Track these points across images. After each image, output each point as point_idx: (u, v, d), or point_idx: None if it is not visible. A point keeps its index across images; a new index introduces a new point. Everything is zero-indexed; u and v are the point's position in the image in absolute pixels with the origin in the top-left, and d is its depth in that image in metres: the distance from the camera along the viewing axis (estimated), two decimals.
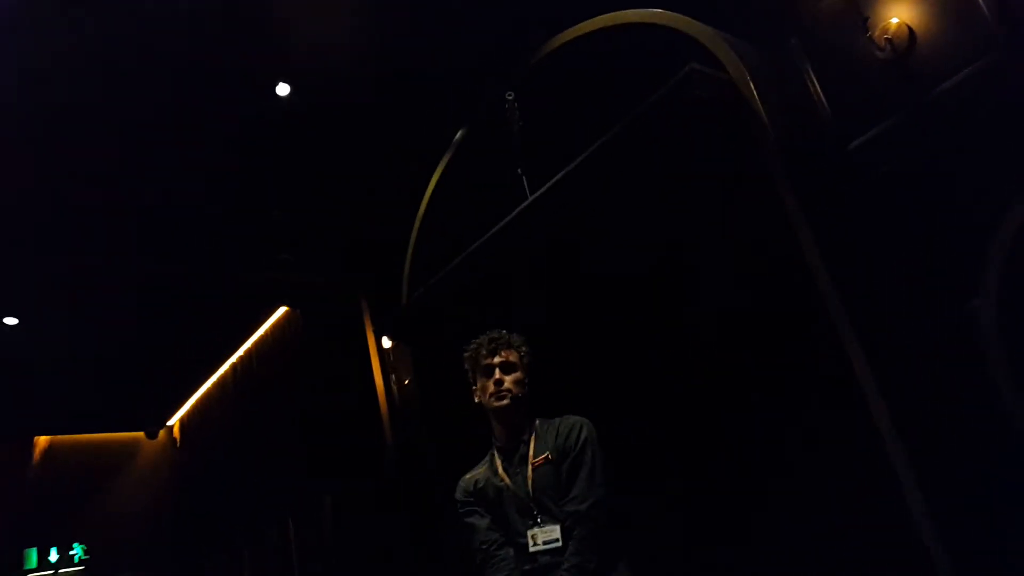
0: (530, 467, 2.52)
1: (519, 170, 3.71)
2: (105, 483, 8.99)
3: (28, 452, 8.62)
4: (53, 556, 8.30)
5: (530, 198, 3.56)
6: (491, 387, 2.60)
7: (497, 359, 2.62)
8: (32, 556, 8.21)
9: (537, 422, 2.64)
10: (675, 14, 3.04)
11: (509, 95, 3.80)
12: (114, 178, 4.50)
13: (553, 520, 2.43)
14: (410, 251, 4.63)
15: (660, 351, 3.37)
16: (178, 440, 9.49)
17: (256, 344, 7.65)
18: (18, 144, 4.03)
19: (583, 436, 2.49)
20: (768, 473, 2.88)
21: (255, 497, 7.37)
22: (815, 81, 2.82)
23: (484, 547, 2.54)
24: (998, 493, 2.23)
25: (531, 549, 2.43)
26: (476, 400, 2.68)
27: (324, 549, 6.04)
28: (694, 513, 3.15)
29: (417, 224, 4.61)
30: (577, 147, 3.22)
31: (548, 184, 3.41)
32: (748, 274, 2.98)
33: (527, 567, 2.45)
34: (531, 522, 2.46)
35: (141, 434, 9.38)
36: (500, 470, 2.60)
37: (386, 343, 5.20)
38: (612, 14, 3.35)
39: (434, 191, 4.54)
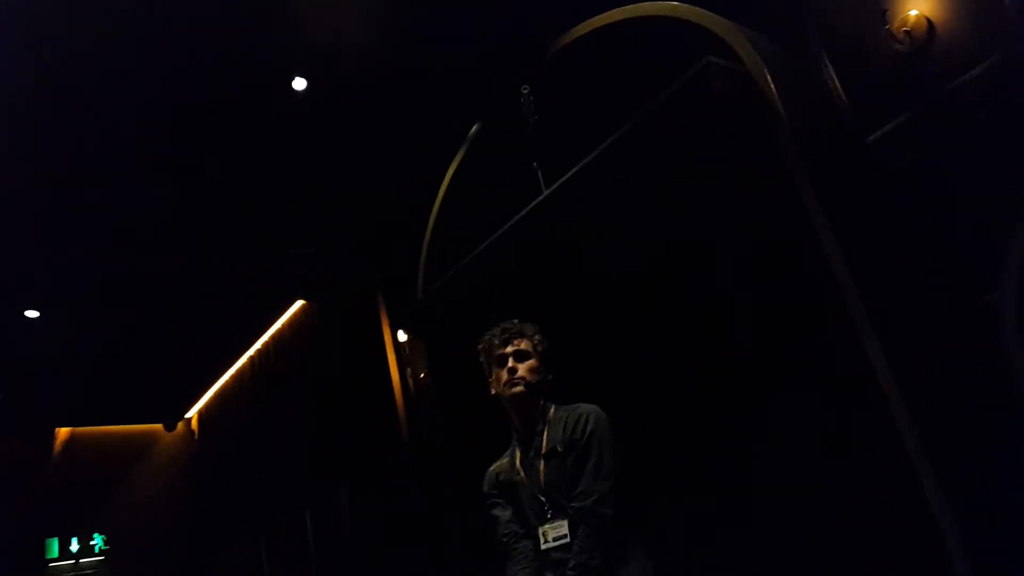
0: (542, 460, 2.49)
1: (534, 164, 3.71)
2: (125, 474, 9.09)
3: (49, 444, 8.73)
4: (74, 546, 8.41)
5: (545, 192, 3.56)
6: (504, 376, 2.58)
7: (510, 348, 2.60)
8: (54, 546, 8.32)
9: (552, 411, 2.59)
10: (691, 7, 3.03)
11: (524, 89, 3.80)
12: (135, 173, 4.54)
13: (563, 515, 2.40)
14: (426, 245, 4.64)
15: (679, 347, 3.36)
16: (196, 432, 9.57)
17: (273, 337, 7.70)
18: (39, 141, 4.08)
19: (589, 428, 2.45)
20: (787, 470, 2.87)
21: (272, 488, 7.42)
22: (833, 74, 2.80)
23: (505, 540, 2.54)
24: (1018, 489, 2.21)
25: (542, 546, 2.42)
26: (493, 392, 2.65)
27: (340, 540, 6.08)
28: (719, 515, 3.13)
29: (433, 218, 4.62)
30: (592, 141, 3.22)
31: (563, 178, 3.40)
32: (765, 269, 2.96)
33: (539, 563, 2.44)
34: (542, 517, 2.44)
35: (160, 426, 9.48)
36: (517, 463, 2.58)
37: (402, 337, 5.22)
38: (628, 7, 3.33)
39: (449, 185, 4.54)
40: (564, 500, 2.41)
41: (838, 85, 2.78)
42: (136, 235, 5.13)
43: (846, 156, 2.72)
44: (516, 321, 2.68)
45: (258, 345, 7.94)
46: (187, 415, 9.65)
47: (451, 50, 4.04)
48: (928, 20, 2.53)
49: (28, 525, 8.13)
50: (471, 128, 4.44)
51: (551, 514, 2.42)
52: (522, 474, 2.54)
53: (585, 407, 2.54)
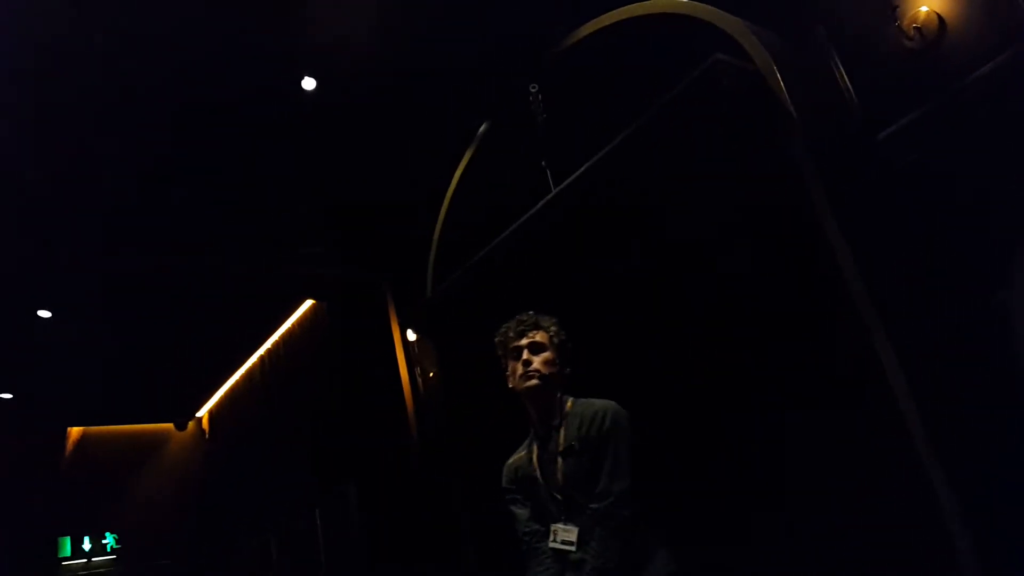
0: (559, 458, 2.43)
1: (543, 162, 3.71)
2: (136, 473, 9.15)
3: (61, 443, 8.79)
4: (86, 544, 8.46)
5: (554, 190, 3.55)
6: (519, 369, 2.52)
7: (525, 340, 2.54)
8: (66, 544, 8.39)
9: (569, 405, 2.52)
10: (700, 4, 3.01)
11: (533, 87, 3.79)
12: (145, 174, 4.56)
13: (577, 517, 2.35)
14: (434, 244, 4.64)
15: (688, 345, 3.35)
16: (207, 431, 9.63)
17: (283, 337, 7.73)
18: (48, 139, 4.10)
19: (607, 426, 2.38)
20: (794, 470, 2.86)
21: (282, 487, 7.45)
22: (842, 71, 2.78)
23: (526, 538, 2.49)
24: None
25: (550, 543, 2.39)
26: (510, 386, 2.59)
27: (349, 539, 6.10)
28: (726, 515, 3.12)
29: (441, 217, 4.62)
30: (601, 139, 3.21)
31: (572, 177, 3.40)
32: (773, 267, 2.95)
33: (547, 560, 2.40)
34: (556, 516, 2.40)
35: (171, 425, 9.54)
36: (534, 459, 2.53)
37: (411, 336, 5.23)
38: (636, 4, 3.32)
39: (458, 184, 4.55)
40: (581, 499, 2.35)
41: (847, 82, 2.76)
42: (146, 236, 5.15)
43: (855, 154, 2.70)
44: (532, 313, 2.63)
45: (268, 345, 7.98)
46: (198, 414, 9.71)
47: (460, 48, 4.04)
48: (939, 16, 2.51)
49: (40, 524, 8.18)
50: (480, 127, 4.44)
51: (565, 515, 2.38)
52: (538, 471, 2.49)
53: (602, 403, 2.48)
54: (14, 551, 7.90)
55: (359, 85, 4.26)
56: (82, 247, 5.07)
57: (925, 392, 2.36)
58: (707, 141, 2.99)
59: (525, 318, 2.61)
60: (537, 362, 2.51)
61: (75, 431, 8.94)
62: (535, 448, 2.56)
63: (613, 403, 2.47)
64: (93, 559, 8.47)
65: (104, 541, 8.58)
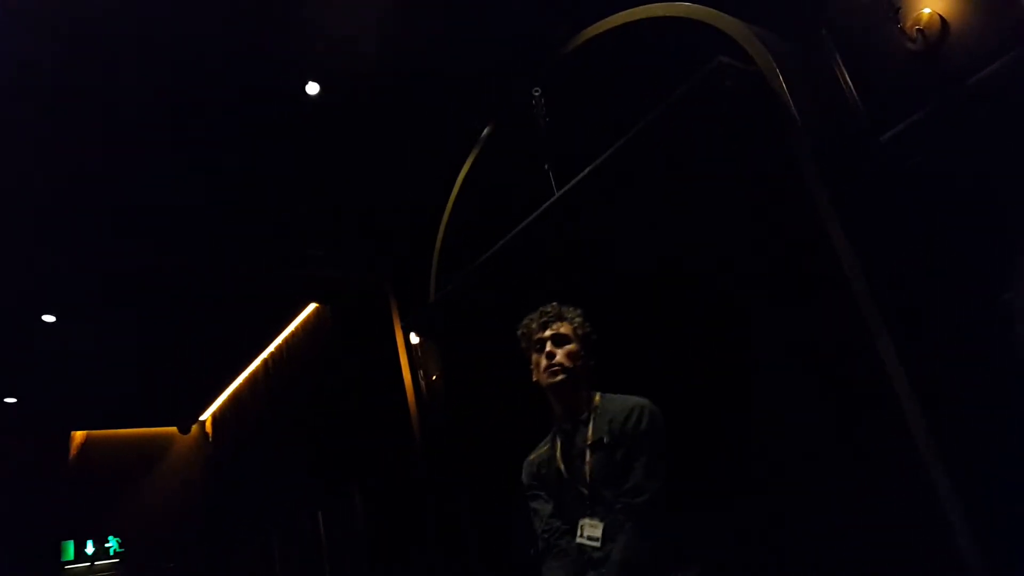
0: (587, 452, 2.37)
1: (546, 166, 3.71)
2: (139, 477, 9.16)
3: (65, 446, 8.80)
4: (89, 548, 8.47)
5: (557, 194, 3.56)
6: (543, 362, 2.47)
7: (548, 332, 2.49)
8: (69, 548, 8.39)
9: (598, 399, 2.47)
10: (702, 7, 3.02)
11: (536, 91, 3.80)
12: (148, 177, 4.57)
13: (603, 513, 2.29)
14: (437, 247, 4.65)
15: (690, 346, 3.36)
16: (210, 435, 9.63)
17: (287, 340, 7.73)
18: (53, 143, 4.11)
19: (644, 424, 2.32)
20: (799, 472, 2.86)
21: (285, 491, 7.45)
22: (845, 73, 2.78)
23: (546, 536, 2.44)
24: None
25: (576, 539, 2.31)
26: (534, 379, 2.54)
27: (353, 542, 6.10)
28: (730, 515, 3.12)
29: (445, 220, 4.63)
30: (604, 142, 3.22)
31: (574, 180, 3.41)
32: (776, 267, 2.95)
33: (570, 558, 2.33)
34: (582, 511, 2.34)
35: (174, 429, 9.55)
36: (558, 453, 2.47)
37: (414, 339, 5.23)
38: (639, 8, 3.33)
39: (461, 187, 4.55)
40: (608, 494, 2.30)
41: (850, 84, 2.76)
42: (150, 239, 5.17)
43: (858, 155, 2.70)
44: (555, 304, 2.58)
45: (271, 348, 7.99)
46: (201, 418, 9.72)
47: (463, 52, 4.04)
48: (941, 18, 2.51)
49: (44, 527, 8.20)
50: (483, 130, 4.44)
51: (591, 510, 2.32)
52: (563, 466, 2.43)
53: (636, 399, 2.42)
54: (18, 555, 7.91)
55: (363, 88, 4.27)
56: (86, 251, 5.08)
57: (928, 393, 2.36)
58: (710, 143, 3.00)
59: (549, 309, 2.56)
60: (561, 355, 2.46)
61: (79, 435, 8.95)
62: (559, 442, 2.50)
63: (648, 401, 2.42)
64: (96, 563, 8.48)
65: (107, 545, 8.59)
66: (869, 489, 2.57)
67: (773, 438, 2.95)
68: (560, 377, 2.44)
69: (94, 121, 4.04)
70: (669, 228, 3.38)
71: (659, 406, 2.43)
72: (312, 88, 4.18)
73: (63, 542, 8.39)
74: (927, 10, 2.53)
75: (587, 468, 2.36)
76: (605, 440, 2.35)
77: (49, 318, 6.00)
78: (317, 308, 7.14)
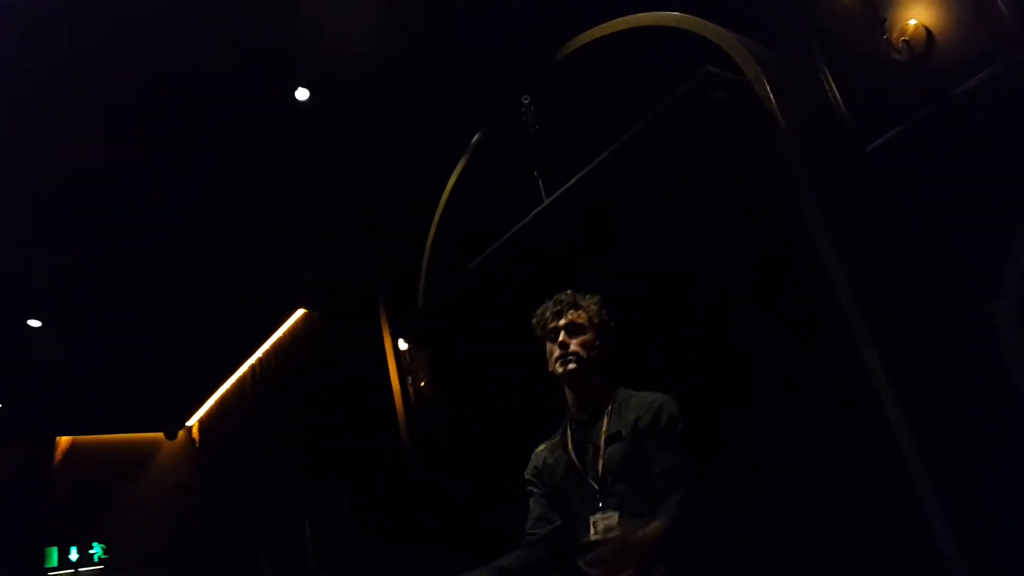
0: (602, 445, 2.30)
1: (535, 172, 3.72)
2: (125, 483, 9.09)
3: (49, 452, 8.73)
4: (73, 555, 8.39)
5: (546, 201, 3.57)
6: (556, 351, 2.41)
7: (563, 321, 2.43)
8: (53, 555, 8.31)
9: (619, 392, 2.42)
10: (691, 17, 3.04)
11: (525, 98, 3.81)
12: (135, 181, 4.55)
13: (616, 506, 2.21)
14: (427, 254, 4.65)
15: (677, 352, 3.37)
16: (197, 441, 9.57)
17: (274, 346, 7.70)
18: (41, 148, 4.09)
19: (666, 415, 2.26)
20: (779, 475, 2.87)
21: (273, 497, 7.42)
22: (832, 83, 2.81)
23: (528, 537, 2.42)
24: (1016, 496, 2.21)
25: (592, 537, 2.22)
26: (549, 369, 2.48)
27: (341, 549, 6.08)
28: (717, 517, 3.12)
29: (434, 227, 4.63)
30: (593, 150, 3.23)
31: (564, 187, 3.42)
32: (765, 276, 2.97)
33: (586, 556, 2.22)
34: (593, 507, 2.26)
35: (161, 435, 9.48)
36: (570, 444, 2.41)
37: (403, 345, 5.23)
38: (628, 17, 3.35)
39: (451, 193, 4.56)
40: (621, 488, 2.24)
41: (837, 94, 2.79)
42: (138, 243, 5.14)
43: (845, 164, 2.72)
44: (570, 292, 2.52)
45: (259, 353, 7.95)
46: (188, 423, 9.65)
47: (453, 59, 4.05)
48: (927, 29, 2.53)
49: (28, 534, 8.12)
50: (473, 137, 4.45)
51: (603, 503, 2.24)
52: (575, 457, 2.37)
53: (658, 395, 2.37)
54: (0, 561, 7.84)
55: (352, 93, 4.27)
56: (74, 256, 5.06)
57: (912, 399, 2.37)
58: (698, 152, 3.02)
59: (563, 297, 2.51)
60: (574, 344, 2.40)
61: (64, 441, 8.88)
62: (571, 433, 2.45)
63: (669, 397, 2.37)
64: (80, 569, 8.40)
65: (92, 551, 8.51)
66: (852, 493, 2.59)
67: (756, 442, 2.97)
68: (572, 367, 2.38)
69: (82, 125, 4.02)
70: (658, 235, 3.39)
71: None
72: (302, 94, 4.18)
73: (47, 548, 8.31)
74: (913, 22, 2.56)
75: (600, 462, 2.29)
76: (623, 433, 2.29)
77: (35, 323, 5.96)
78: (306, 314, 7.12)
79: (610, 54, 3.51)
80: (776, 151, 2.72)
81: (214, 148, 4.45)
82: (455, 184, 4.53)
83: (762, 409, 2.96)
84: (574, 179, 3.35)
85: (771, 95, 2.72)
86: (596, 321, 2.47)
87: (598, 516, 2.23)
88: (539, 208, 3.58)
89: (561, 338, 2.42)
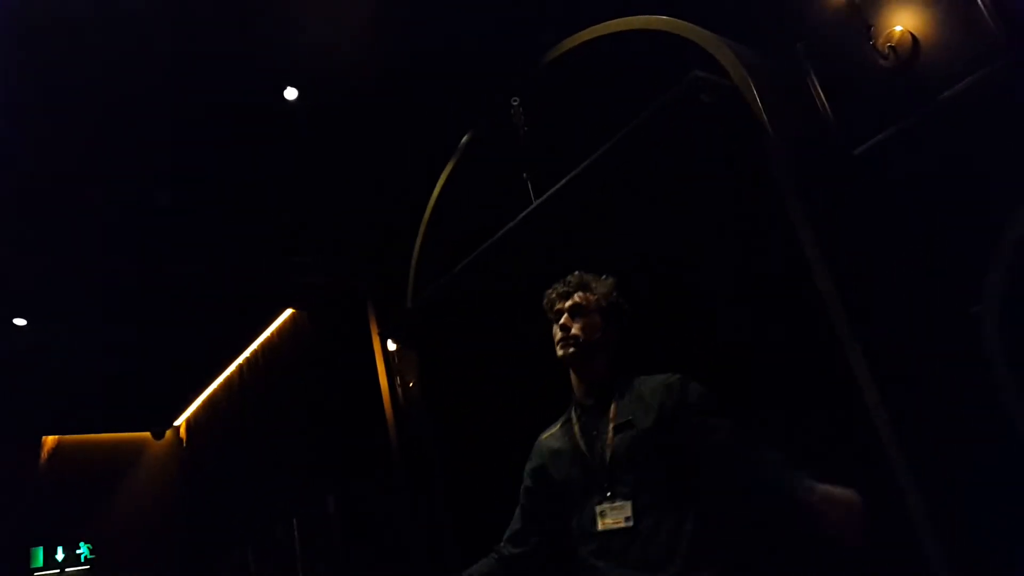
0: (610, 432, 2.22)
1: (524, 174, 3.73)
2: (112, 483, 9.04)
3: (36, 452, 8.68)
4: (60, 555, 8.35)
5: (535, 203, 3.58)
6: (558, 334, 2.34)
7: (568, 303, 2.36)
8: (38, 555, 8.26)
9: (628, 378, 2.33)
10: (679, 20, 3.05)
11: (514, 100, 3.82)
12: (121, 179, 4.54)
13: (625, 496, 2.12)
14: (415, 254, 4.65)
15: (660, 356, 3.37)
16: (185, 440, 9.54)
17: (263, 345, 7.68)
18: (24, 145, 4.07)
19: (695, 392, 2.20)
20: None
21: (260, 497, 7.40)
22: (819, 88, 2.83)
23: (501, 549, 2.42)
24: (1000, 500, 2.23)
25: (599, 528, 2.14)
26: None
27: (329, 549, 6.07)
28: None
29: (423, 227, 4.63)
30: (582, 152, 3.24)
31: (552, 189, 3.43)
32: (750, 279, 2.99)
33: (592, 547, 2.16)
34: (600, 496, 2.17)
35: (148, 434, 9.44)
36: (577, 431, 2.32)
37: (391, 345, 5.22)
38: (616, 20, 3.36)
39: (440, 194, 4.56)
40: (630, 479, 2.14)
41: (823, 99, 2.81)
42: (125, 243, 5.12)
43: (832, 168, 2.75)
44: (579, 273, 2.45)
45: (247, 353, 7.93)
46: (175, 423, 9.62)
47: (442, 61, 4.06)
48: (913, 36, 2.56)
49: (13, 534, 8.07)
50: (462, 138, 4.45)
51: (611, 492, 2.16)
52: (582, 444, 2.28)
53: (671, 375, 2.30)
54: None
55: (342, 94, 4.27)
56: (59, 254, 5.03)
57: (898, 402, 2.39)
58: (685, 156, 3.03)
59: (571, 279, 2.43)
60: (575, 327, 2.32)
61: (50, 440, 8.83)
62: (576, 419, 2.36)
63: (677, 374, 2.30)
64: (66, 569, 8.36)
65: (78, 551, 8.47)
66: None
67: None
68: (570, 350, 2.32)
69: (68, 123, 4.01)
70: (645, 239, 3.40)
71: None
72: (290, 93, 4.17)
73: (32, 548, 8.26)
74: (899, 28, 2.58)
75: (609, 451, 2.20)
76: (635, 422, 2.20)
77: (20, 322, 5.92)
78: (294, 313, 7.10)
79: (599, 57, 3.51)
80: (763, 155, 2.73)
81: (203, 148, 4.43)
82: (444, 185, 4.53)
83: (743, 418, 2.97)
84: (563, 181, 3.35)
85: (758, 99, 2.73)
86: (604, 304, 2.39)
87: (606, 506, 2.15)
88: (528, 210, 3.59)
89: (563, 320, 2.36)
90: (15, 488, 8.25)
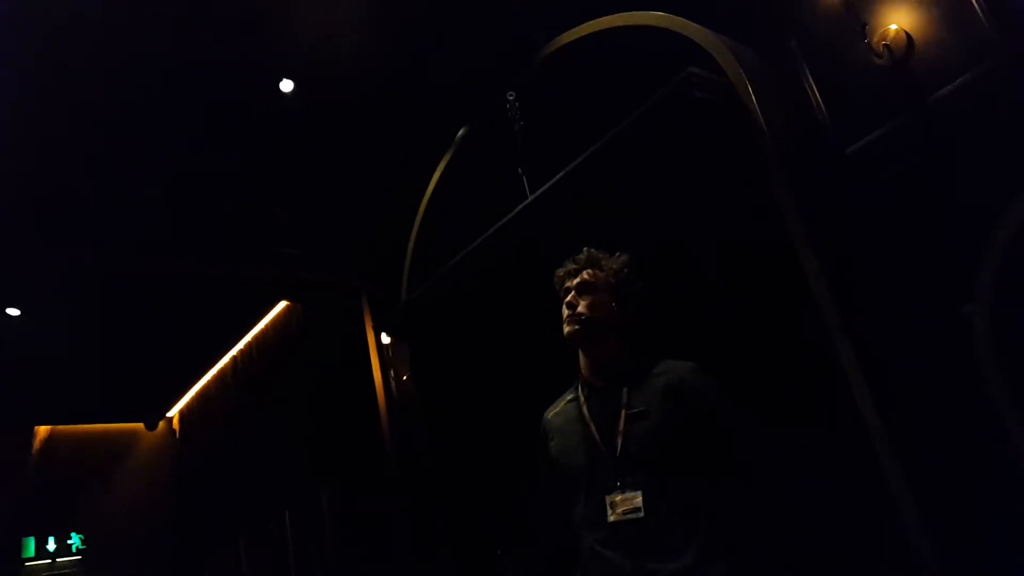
0: (622, 420, 2.14)
1: (519, 170, 3.73)
2: (104, 473, 9.02)
3: (28, 442, 8.64)
4: (51, 545, 8.33)
5: (530, 198, 3.58)
6: (564, 312, 2.25)
7: (575, 280, 2.28)
8: (30, 545, 8.24)
9: (643, 361, 2.25)
10: (674, 17, 3.05)
11: (510, 95, 3.82)
12: (116, 171, 4.52)
13: (636, 487, 2.05)
14: (410, 248, 4.65)
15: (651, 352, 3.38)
16: (177, 432, 9.52)
17: (256, 338, 7.67)
18: (19, 136, 4.05)
19: (710, 386, 2.15)
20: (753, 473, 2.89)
21: (253, 489, 7.40)
22: (813, 86, 2.83)
23: (541, 531, 2.34)
24: (990, 498, 2.25)
25: (610, 518, 2.06)
26: None
27: (321, 542, 6.07)
28: None
29: (418, 222, 4.63)
30: (577, 148, 3.24)
31: (546, 185, 3.43)
32: (743, 277, 2.99)
33: (600, 536, 2.09)
34: (610, 486, 2.09)
35: (141, 425, 9.41)
36: (585, 412, 2.24)
37: (385, 339, 5.23)
38: (612, 16, 3.37)
39: (435, 189, 4.56)
40: (642, 470, 2.07)
41: (818, 97, 2.82)
42: (119, 233, 5.10)
43: (825, 166, 2.75)
44: (588, 249, 2.37)
45: (241, 345, 7.92)
46: (169, 414, 9.60)
47: (439, 56, 4.05)
48: (907, 35, 2.57)
49: (4, 524, 8.05)
50: (457, 132, 4.45)
51: (621, 483, 2.08)
52: (593, 430, 2.18)
53: (683, 363, 2.22)
54: None
55: (338, 89, 4.26)
56: (53, 244, 5.01)
57: (888, 401, 2.40)
58: (679, 152, 3.03)
59: (581, 256, 2.36)
60: (582, 305, 2.24)
61: (42, 430, 8.80)
62: (584, 401, 2.28)
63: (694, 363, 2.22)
64: (58, 560, 8.35)
65: (70, 542, 8.45)
66: (826, 495, 2.61)
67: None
68: (574, 328, 2.23)
69: (62, 115, 3.99)
70: (638, 234, 3.40)
71: None
72: (286, 85, 4.16)
73: (24, 539, 8.25)
74: (894, 26, 2.59)
75: (620, 439, 2.13)
76: (650, 412, 2.12)
77: (14, 312, 5.91)
78: (288, 306, 7.09)
79: (595, 53, 3.52)
80: (757, 151, 2.74)
81: (197, 140, 4.42)
82: (439, 179, 4.53)
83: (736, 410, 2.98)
84: (557, 176, 3.35)
85: (753, 96, 2.73)
86: (613, 281, 2.30)
87: (617, 496, 2.07)
88: (523, 204, 3.59)
89: (569, 298, 2.28)
90: (6, 478, 8.22)
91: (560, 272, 2.37)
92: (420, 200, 4.62)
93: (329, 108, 4.40)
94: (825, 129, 2.78)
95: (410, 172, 4.69)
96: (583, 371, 2.32)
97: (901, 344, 2.48)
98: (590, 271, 2.30)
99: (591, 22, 3.49)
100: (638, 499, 2.03)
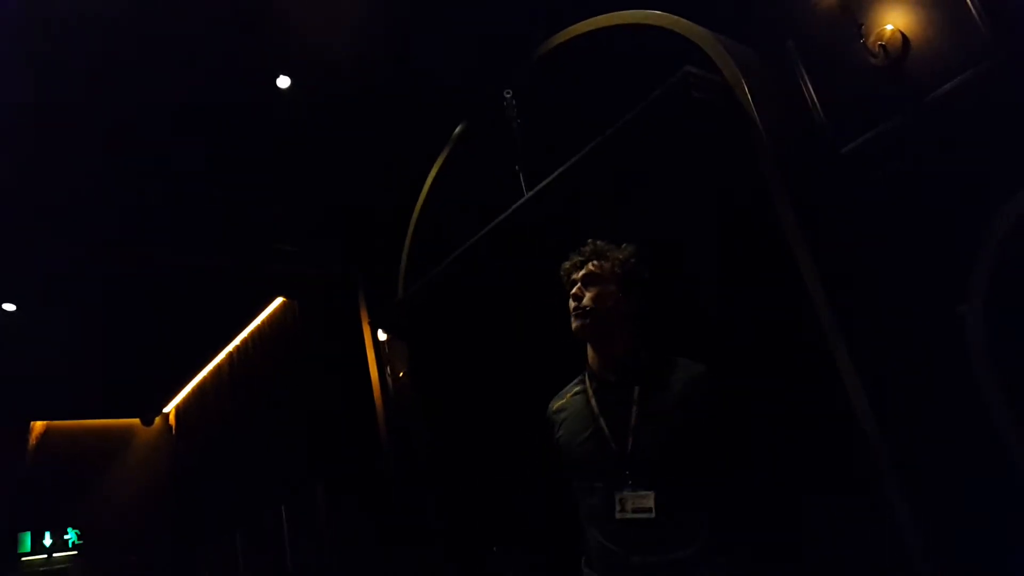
0: (633, 417, 2.10)
1: (516, 167, 3.73)
2: (100, 469, 9.02)
3: (24, 437, 8.64)
4: (47, 540, 8.34)
5: (526, 195, 3.58)
6: (571, 305, 2.22)
7: (581, 272, 2.24)
8: (26, 540, 8.25)
9: (656, 357, 2.21)
10: (671, 15, 3.06)
11: (507, 93, 3.82)
12: (112, 167, 4.52)
13: (647, 486, 2.03)
14: (407, 245, 4.65)
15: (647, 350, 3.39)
16: (174, 427, 9.53)
17: (253, 334, 7.68)
18: (17, 132, 4.05)
19: (718, 391, 2.12)
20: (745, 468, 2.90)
21: (249, 484, 7.41)
22: (809, 85, 2.85)
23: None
24: (982, 498, 2.26)
25: (617, 515, 2.04)
26: None
27: (317, 536, 6.08)
28: None
29: (414, 218, 4.64)
30: (574, 146, 3.24)
31: (543, 183, 3.43)
32: (738, 276, 3.00)
33: (608, 530, 2.07)
34: (620, 483, 2.06)
35: (137, 420, 9.42)
36: (594, 406, 2.19)
37: (381, 335, 5.23)
38: (610, 15, 3.37)
39: (432, 185, 4.56)
40: (652, 469, 2.05)
41: (814, 96, 2.83)
42: (115, 229, 5.10)
43: (821, 166, 2.76)
44: (594, 240, 2.32)
45: (238, 341, 7.92)
46: (165, 410, 9.60)
47: (436, 53, 4.05)
48: (903, 35, 2.58)
49: (1, 519, 8.05)
50: (454, 129, 4.45)
51: (632, 480, 2.05)
52: (603, 424, 2.14)
53: (698, 368, 2.18)
54: None
55: (335, 84, 4.26)
56: (49, 240, 5.01)
57: (882, 400, 2.41)
58: (676, 151, 3.03)
59: (586, 247, 2.31)
60: (588, 297, 2.20)
61: (39, 425, 8.80)
62: (591, 393, 2.24)
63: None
64: (54, 555, 8.35)
65: (66, 537, 8.46)
66: (819, 496, 2.62)
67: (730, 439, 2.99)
68: (583, 323, 2.20)
69: (59, 110, 3.98)
70: (635, 232, 3.40)
71: None
72: (283, 81, 4.16)
73: (20, 533, 8.25)
74: (890, 27, 2.60)
75: (631, 437, 2.09)
76: (662, 412, 2.10)
77: (9, 307, 5.90)
78: (285, 302, 7.10)
79: (592, 51, 3.52)
80: (753, 150, 2.75)
81: (194, 135, 4.41)
82: (436, 176, 4.53)
83: (732, 410, 2.99)
84: (555, 174, 3.36)
85: (749, 96, 2.74)
86: (620, 271, 2.25)
87: (627, 494, 2.05)
88: (520, 202, 3.59)
89: (575, 290, 2.24)
90: (2, 473, 8.22)
91: (566, 265, 2.33)
92: (417, 197, 4.62)
93: (326, 104, 4.40)
94: (821, 129, 2.79)
95: (407, 169, 4.69)
96: (592, 364, 2.28)
97: (896, 343, 2.50)
98: (596, 262, 2.27)
99: (589, 20, 3.50)
100: (649, 499, 2.01)
